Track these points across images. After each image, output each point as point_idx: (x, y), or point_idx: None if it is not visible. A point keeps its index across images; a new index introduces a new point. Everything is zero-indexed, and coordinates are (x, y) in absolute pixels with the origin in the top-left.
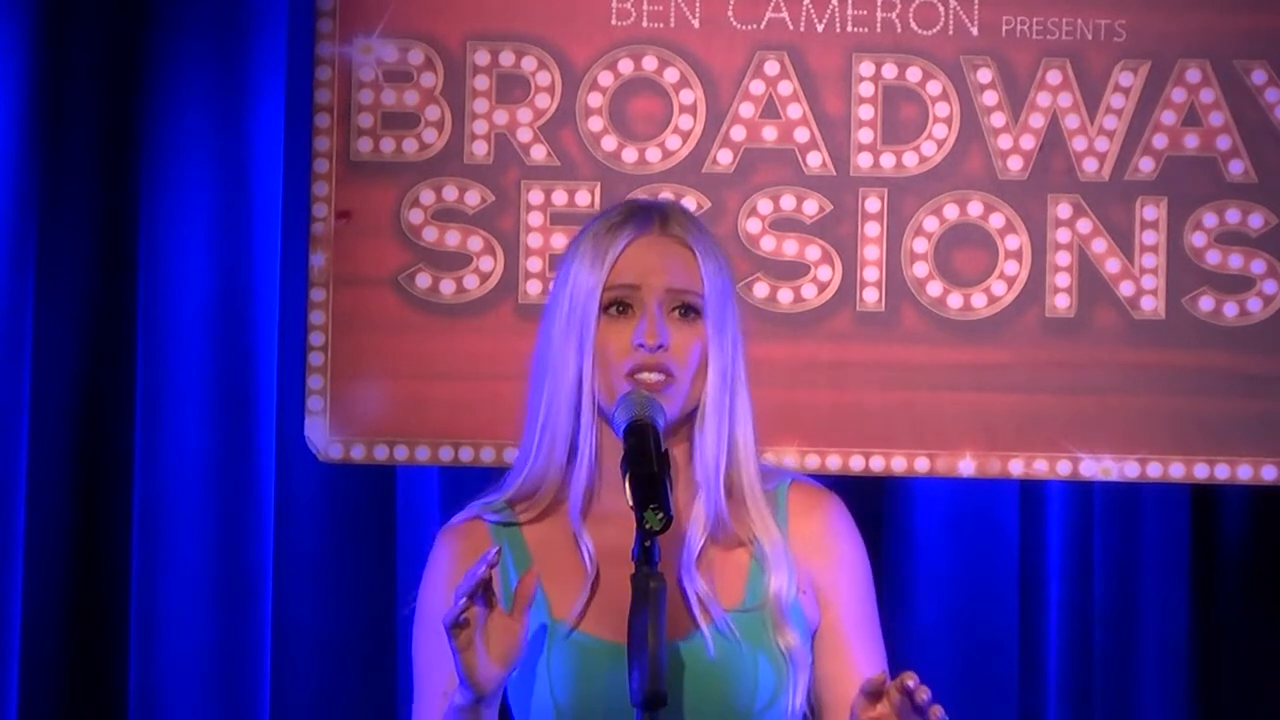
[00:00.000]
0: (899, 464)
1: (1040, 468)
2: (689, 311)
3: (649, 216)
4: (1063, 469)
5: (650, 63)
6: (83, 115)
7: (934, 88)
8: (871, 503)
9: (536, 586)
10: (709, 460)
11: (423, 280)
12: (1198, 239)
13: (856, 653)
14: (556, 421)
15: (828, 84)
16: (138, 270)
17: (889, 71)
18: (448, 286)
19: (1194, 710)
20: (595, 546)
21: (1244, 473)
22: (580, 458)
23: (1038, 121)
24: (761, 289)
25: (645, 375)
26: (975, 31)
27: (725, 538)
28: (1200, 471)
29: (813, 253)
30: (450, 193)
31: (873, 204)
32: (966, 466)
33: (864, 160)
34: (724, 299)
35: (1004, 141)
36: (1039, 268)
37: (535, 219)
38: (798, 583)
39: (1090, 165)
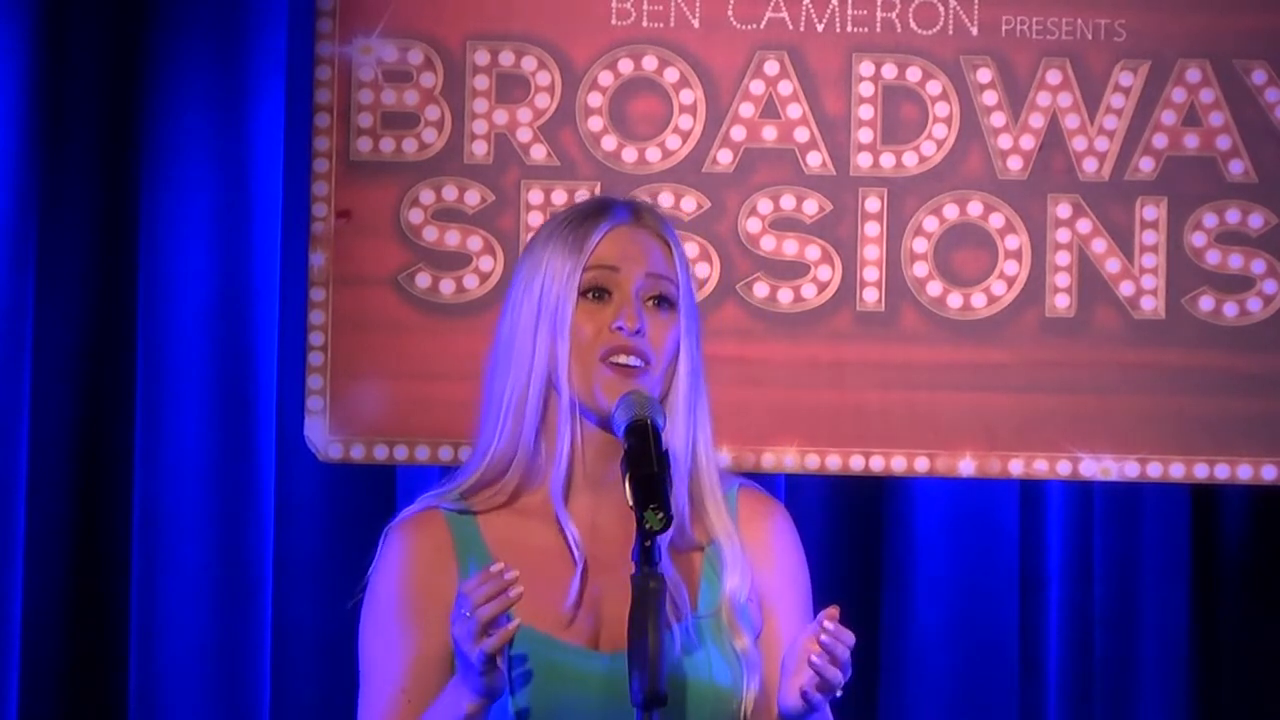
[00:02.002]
0: (899, 464)
1: (1040, 468)
2: (663, 302)
3: (624, 208)
4: (1063, 469)
5: (650, 63)
6: (83, 115)
7: (934, 88)
8: (871, 503)
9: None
10: (677, 459)
11: (423, 280)
12: (1198, 239)
13: None
14: (525, 409)
15: (828, 84)
16: (138, 270)
17: (889, 71)
18: (447, 286)
19: (1194, 710)
20: (556, 547)
21: (1244, 473)
22: (559, 449)
23: (1038, 121)
24: (761, 289)
25: (622, 359)
26: (975, 31)
27: (681, 540)
28: (1200, 471)
29: (813, 252)
30: (450, 192)
31: (873, 204)
32: (966, 466)
33: (864, 160)
34: (691, 295)
35: (1004, 141)
36: (1039, 268)
37: (535, 219)
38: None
39: (1090, 165)
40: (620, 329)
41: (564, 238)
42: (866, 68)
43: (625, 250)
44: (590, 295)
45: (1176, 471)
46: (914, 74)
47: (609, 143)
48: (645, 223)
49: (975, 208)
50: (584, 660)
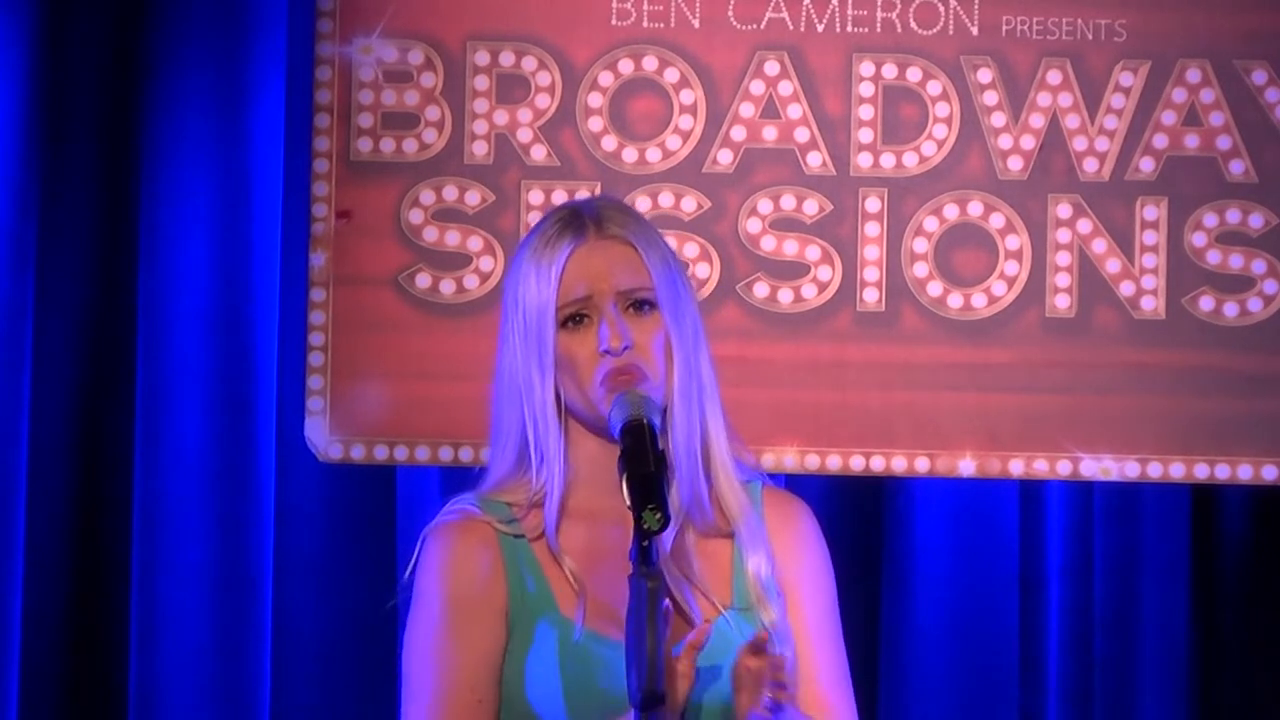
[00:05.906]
0: (899, 464)
1: (1040, 468)
2: (643, 305)
3: (583, 223)
4: (1063, 469)
5: (650, 63)
6: (83, 115)
7: (934, 88)
8: (871, 503)
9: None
10: (680, 444)
11: (423, 280)
12: (1198, 239)
13: (819, 658)
14: (546, 439)
15: (828, 84)
16: (138, 270)
17: (889, 71)
18: (448, 286)
19: (1194, 710)
20: (584, 545)
21: (1244, 473)
22: (552, 464)
23: (1038, 121)
24: (761, 289)
25: (616, 380)
26: (975, 31)
27: (706, 526)
28: (1200, 471)
29: (813, 253)
30: (450, 193)
31: (873, 204)
32: (966, 466)
33: (864, 160)
34: (674, 285)
35: (1004, 141)
36: (1039, 268)
37: (535, 219)
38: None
39: (1090, 165)
40: (607, 352)
41: (533, 269)
42: (867, 68)
43: (590, 271)
44: (569, 324)
45: (1176, 471)
46: (914, 74)
47: (609, 143)
48: (607, 231)
49: (975, 208)
50: (621, 651)
